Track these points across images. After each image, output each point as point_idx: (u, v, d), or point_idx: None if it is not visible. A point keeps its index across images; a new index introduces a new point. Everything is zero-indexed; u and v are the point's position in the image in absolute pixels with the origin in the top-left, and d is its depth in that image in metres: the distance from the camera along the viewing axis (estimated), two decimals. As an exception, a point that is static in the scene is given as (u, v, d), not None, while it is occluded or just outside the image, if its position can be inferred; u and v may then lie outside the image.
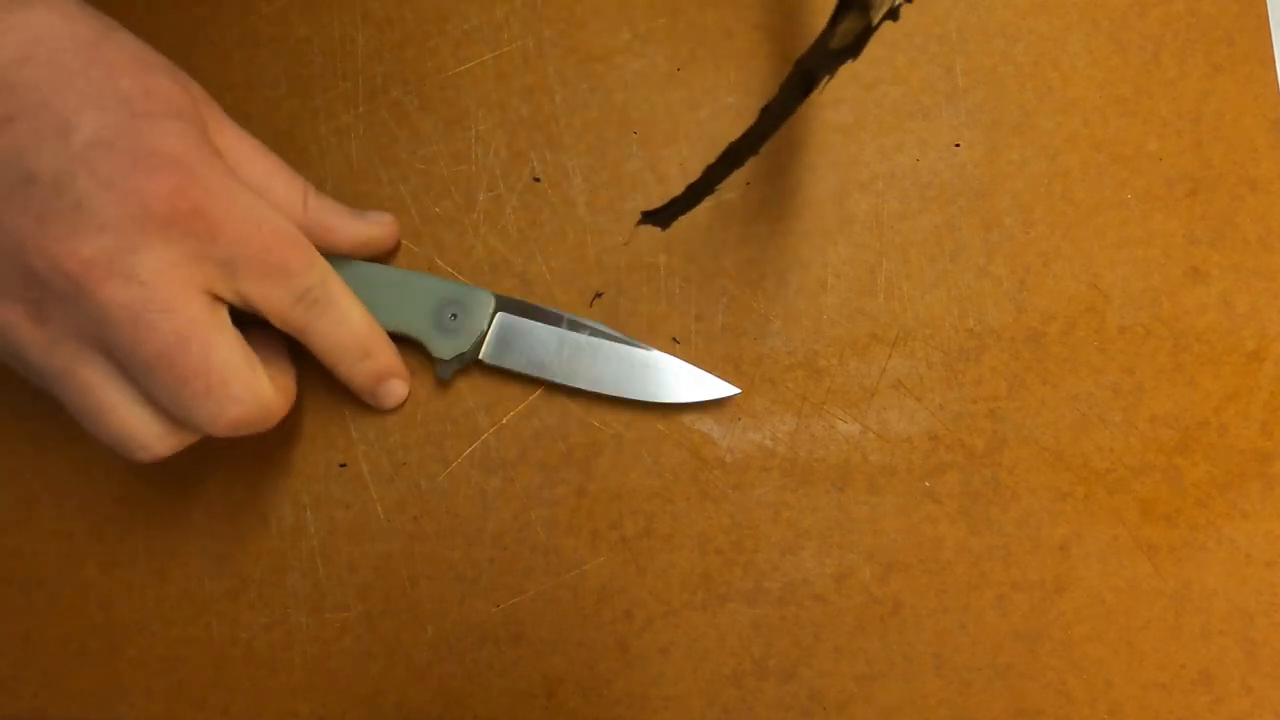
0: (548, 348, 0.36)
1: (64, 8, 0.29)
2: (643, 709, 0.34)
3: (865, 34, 0.27)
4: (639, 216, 0.34)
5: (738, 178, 0.38)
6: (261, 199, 0.31)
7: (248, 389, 0.30)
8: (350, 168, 0.38)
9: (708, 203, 0.38)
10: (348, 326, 0.33)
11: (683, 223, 0.37)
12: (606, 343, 0.36)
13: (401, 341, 0.36)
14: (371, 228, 0.36)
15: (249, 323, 0.32)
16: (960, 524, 0.35)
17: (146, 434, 0.30)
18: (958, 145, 0.38)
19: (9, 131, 0.27)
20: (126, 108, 0.28)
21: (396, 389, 0.36)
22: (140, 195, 0.27)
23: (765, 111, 0.29)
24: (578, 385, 0.36)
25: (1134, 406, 0.36)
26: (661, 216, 0.32)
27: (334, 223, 0.35)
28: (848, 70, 0.38)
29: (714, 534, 0.35)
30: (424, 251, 0.37)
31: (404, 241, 0.38)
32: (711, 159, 0.38)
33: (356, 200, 0.38)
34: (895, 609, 0.34)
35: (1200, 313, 0.36)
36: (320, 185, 0.38)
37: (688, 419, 0.36)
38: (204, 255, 0.29)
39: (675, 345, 0.37)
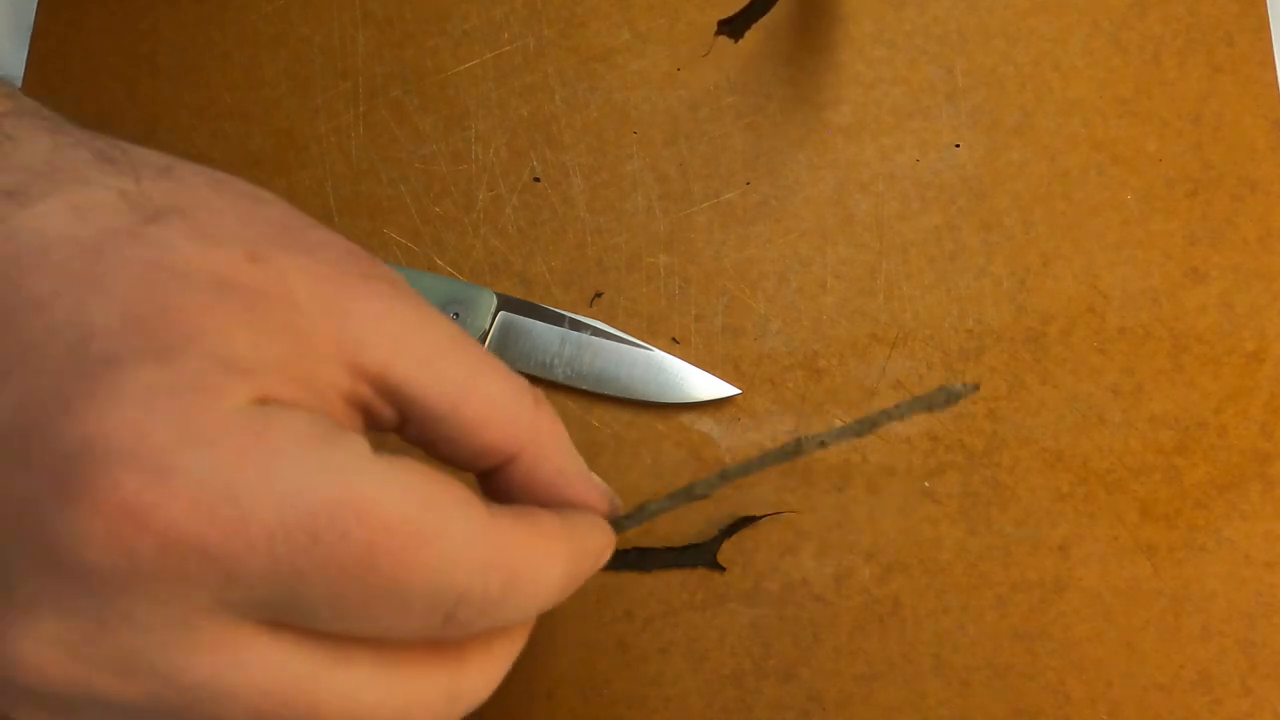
0: (549, 347, 0.36)
1: (89, 200, 0.18)
2: (642, 709, 0.34)
3: None
4: (717, 27, 0.35)
5: (738, 178, 0.38)
6: (389, 471, 0.18)
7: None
8: (350, 168, 0.38)
9: (707, 203, 0.38)
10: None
11: (683, 222, 0.38)
12: (607, 342, 0.36)
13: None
14: (598, 483, 0.24)
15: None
16: (960, 524, 0.35)
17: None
18: (958, 145, 0.38)
19: None
20: (77, 358, 0.17)
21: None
22: (60, 539, 0.16)
23: None
24: (578, 384, 0.36)
25: (1134, 407, 0.36)
26: (736, 25, 0.33)
27: (565, 463, 0.22)
28: (848, 70, 0.39)
29: (713, 534, 0.35)
30: (424, 251, 0.38)
31: (404, 241, 0.38)
32: (712, 159, 0.38)
33: (356, 200, 0.38)
34: (895, 609, 0.34)
35: (1200, 313, 0.36)
36: (320, 185, 0.38)
37: (687, 419, 0.36)
38: (235, 587, 0.17)
39: (675, 345, 0.37)
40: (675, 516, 0.35)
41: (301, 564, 0.16)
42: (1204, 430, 0.35)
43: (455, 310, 0.35)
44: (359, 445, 0.17)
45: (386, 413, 0.20)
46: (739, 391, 0.36)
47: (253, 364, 0.17)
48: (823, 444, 0.29)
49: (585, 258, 0.37)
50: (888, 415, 0.29)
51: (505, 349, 0.36)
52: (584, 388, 0.36)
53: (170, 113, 0.39)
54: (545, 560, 0.19)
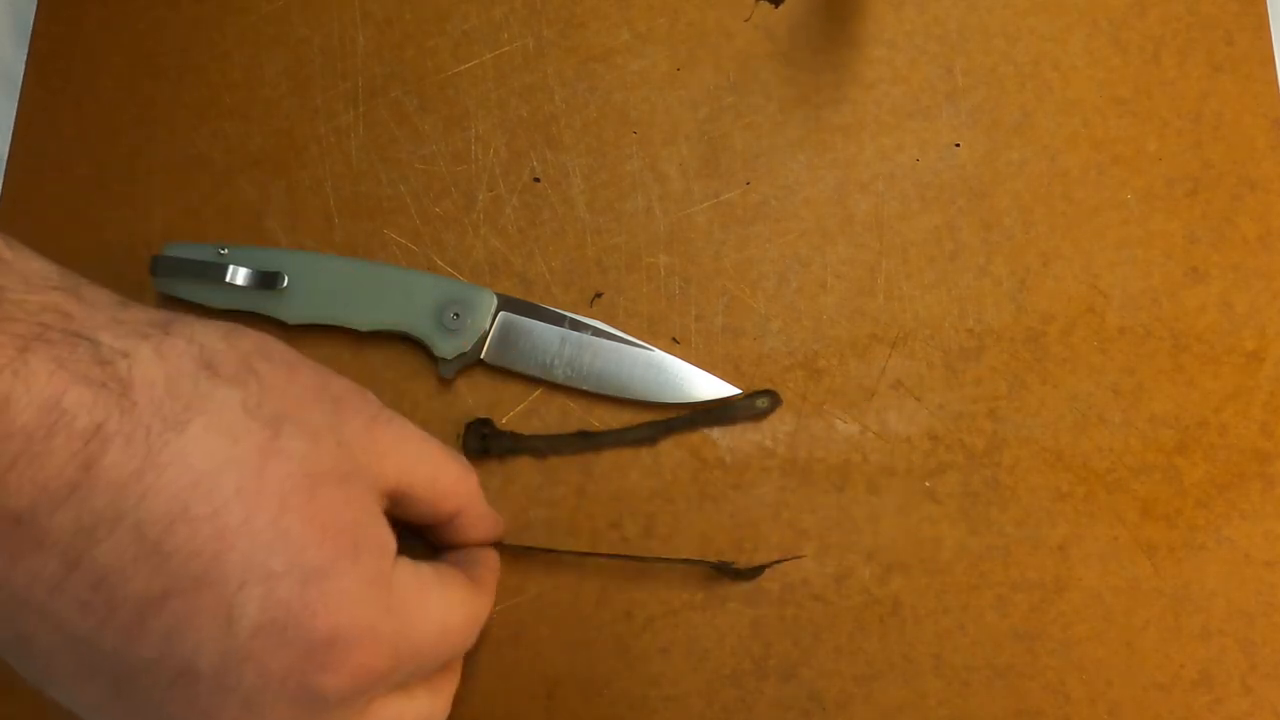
0: (549, 347, 0.36)
1: (226, 419, 0.24)
2: (642, 709, 0.34)
3: None
4: (755, 5, 0.35)
5: (738, 178, 0.38)
6: (441, 591, 0.28)
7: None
8: (350, 168, 0.38)
9: (707, 203, 0.38)
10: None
11: (683, 222, 0.38)
12: (607, 342, 0.36)
13: (403, 341, 0.36)
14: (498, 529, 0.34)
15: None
16: (960, 524, 0.35)
17: None
18: (958, 145, 0.38)
19: (164, 612, 0.22)
20: (296, 569, 0.23)
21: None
22: (317, 690, 0.24)
23: None
24: (578, 384, 0.36)
25: (1134, 406, 0.36)
26: None
27: (487, 510, 0.33)
28: (848, 70, 0.39)
29: (714, 534, 0.35)
30: (424, 251, 0.38)
31: (404, 241, 0.38)
32: (711, 159, 0.38)
33: (356, 200, 0.38)
34: (895, 609, 0.34)
35: (1200, 313, 0.36)
36: (320, 185, 0.38)
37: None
38: (386, 684, 0.26)
39: (675, 345, 0.37)
40: (683, 525, 0.35)
41: (427, 665, 0.28)
42: (1204, 430, 0.35)
43: (456, 311, 0.35)
44: (429, 573, 0.28)
45: (386, 506, 0.28)
46: (739, 391, 0.36)
47: (382, 538, 0.26)
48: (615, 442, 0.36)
49: (585, 258, 0.37)
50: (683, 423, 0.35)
51: (505, 349, 0.36)
52: (584, 388, 0.36)
53: (170, 113, 0.39)
54: (490, 605, 0.32)
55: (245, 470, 0.23)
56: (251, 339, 0.26)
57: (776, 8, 0.35)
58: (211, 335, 0.25)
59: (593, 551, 0.35)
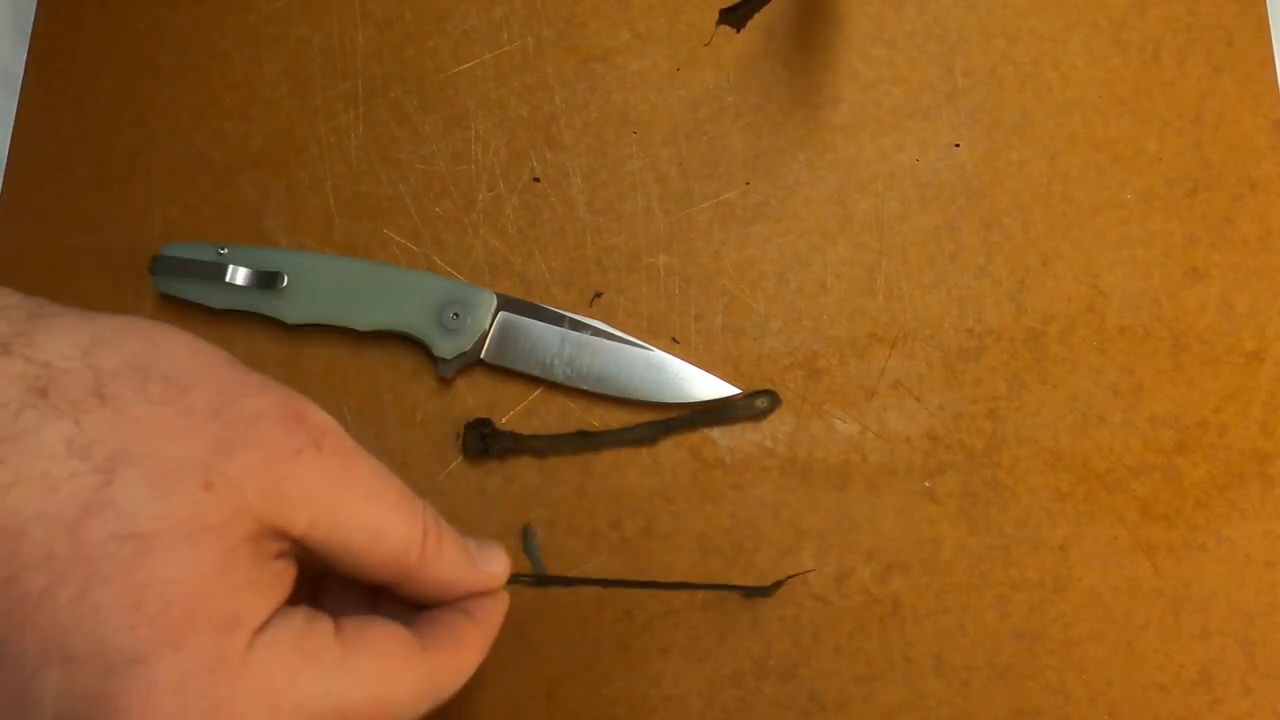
0: (549, 347, 0.36)
1: (42, 462, 0.20)
2: (642, 709, 0.34)
3: None
4: (719, 17, 0.33)
5: (738, 178, 0.38)
6: (340, 667, 0.23)
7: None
8: (350, 168, 0.38)
9: (707, 203, 0.38)
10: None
11: (683, 222, 0.38)
12: (607, 342, 0.36)
13: (403, 341, 0.36)
14: (489, 573, 0.27)
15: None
16: (960, 524, 0.35)
17: None
18: (958, 145, 0.38)
19: None
20: (100, 655, 0.19)
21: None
22: None
23: None
24: (578, 384, 0.36)
25: (1134, 406, 0.36)
26: (738, 14, 0.33)
27: (450, 575, 0.26)
28: (848, 70, 0.39)
29: (714, 534, 0.35)
30: (424, 251, 0.38)
31: (404, 241, 0.38)
32: (711, 159, 0.38)
33: (356, 200, 0.38)
34: (895, 609, 0.34)
35: (1200, 313, 0.36)
36: (320, 185, 0.38)
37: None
38: None
39: (675, 345, 0.37)
40: (682, 525, 0.35)
41: None
42: (1204, 430, 0.35)
43: (456, 310, 0.35)
44: (327, 638, 0.22)
45: (297, 554, 0.23)
46: (739, 391, 0.36)
47: (234, 608, 0.21)
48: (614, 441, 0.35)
49: (585, 258, 0.37)
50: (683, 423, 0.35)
51: (505, 349, 0.36)
52: (584, 388, 0.36)
53: (170, 113, 0.39)
54: (466, 667, 0.26)
55: (56, 528, 0.19)
56: (130, 351, 0.21)
57: (738, 32, 0.35)
58: (69, 347, 0.21)
59: (616, 580, 0.33)
